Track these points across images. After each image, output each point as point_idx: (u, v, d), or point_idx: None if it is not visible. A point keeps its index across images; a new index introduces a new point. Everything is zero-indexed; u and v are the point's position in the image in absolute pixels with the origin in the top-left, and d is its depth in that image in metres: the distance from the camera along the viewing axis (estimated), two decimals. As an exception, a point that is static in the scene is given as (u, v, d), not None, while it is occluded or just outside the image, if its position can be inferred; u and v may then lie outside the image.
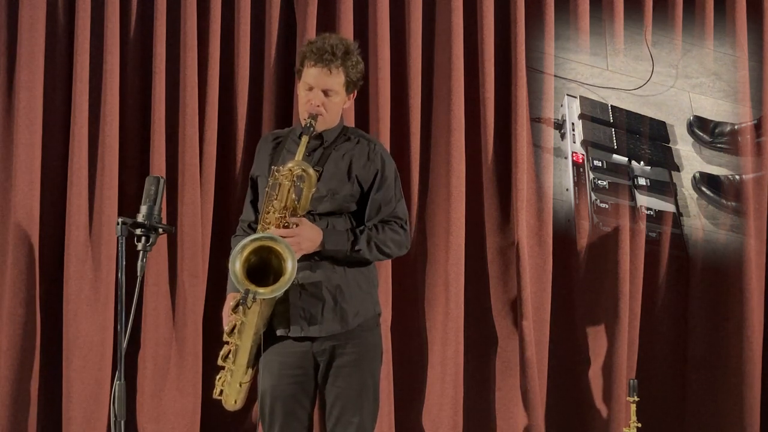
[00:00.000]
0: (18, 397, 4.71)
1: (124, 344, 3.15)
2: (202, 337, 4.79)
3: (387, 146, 4.87)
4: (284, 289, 3.34)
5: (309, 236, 3.42)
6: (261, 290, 3.31)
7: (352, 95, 3.59)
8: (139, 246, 3.21)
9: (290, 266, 3.31)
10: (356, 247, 3.48)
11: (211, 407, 4.71)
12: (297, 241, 3.39)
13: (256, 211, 3.62)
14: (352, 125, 4.79)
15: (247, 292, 3.28)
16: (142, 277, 3.19)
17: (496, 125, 4.98)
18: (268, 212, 3.43)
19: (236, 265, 3.32)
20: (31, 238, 4.73)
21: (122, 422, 3.13)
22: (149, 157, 4.79)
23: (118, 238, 3.18)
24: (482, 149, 4.97)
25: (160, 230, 3.23)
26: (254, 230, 3.56)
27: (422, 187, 4.99)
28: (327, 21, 4.89)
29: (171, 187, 4.78)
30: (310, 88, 3.50)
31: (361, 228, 3.53)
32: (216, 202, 4.85)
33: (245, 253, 3.34)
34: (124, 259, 3.18)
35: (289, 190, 3.40)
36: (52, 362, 4.79)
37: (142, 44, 4.87)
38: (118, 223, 3.18)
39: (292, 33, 4.89)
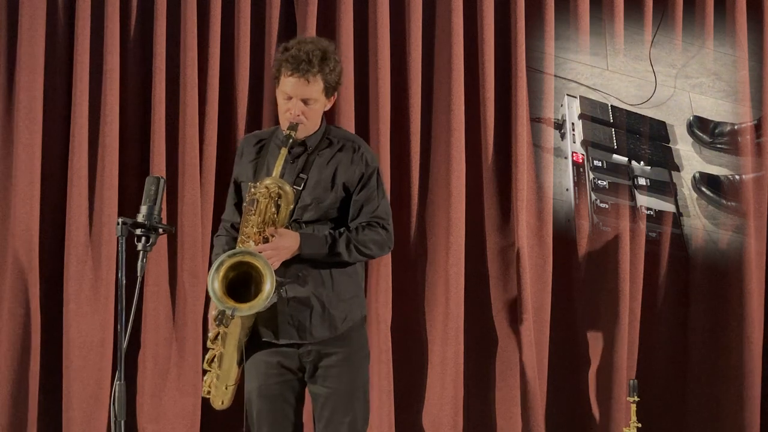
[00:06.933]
0: (18, 397, 4.71)
1: (124, 344, 3.14)
2: (202, 337, 4.79)
3: (387, 146, 4.87)
4: (262, 307, 3.34)
5: (287, 245, 3.39)
6: (239, 306, 3.31)
7: (332, 98, 3.53)
8: (139, 246, 3.20)
9: (268, 285, 3.30)
10: (335, 250, 3.44)
11: (211, 407, 4.71)
12: (276, 254, 3.36)
13: (240, 213, 3.59)
14: (353, 126, 4.80)
15: (222, 312, 3.29)
16: (142, 277, 3.18)
17: (496, 125, 4.98)
18: (246, 226, 3.41)
19: (215, 284, 3.32)
20: (31, 238, 4.72)
21: (122, 422, 3.13)
22: (149, 157, 4.79)
23: (118, 238, 3.17)
24: (482, 149, 4.97)
25: (160, 230, 3.23)
26: (237, 230, 3.53)
27: (422, 187, 4.99)
28: (327, 21, 4.89)
29: (171, 187, 4.78)
30: (289, 98, 3.44)
31: (341, 230, 3.48)
32: (216, 202, 4.85)
33: (222, 270, 3.33)
34: (124, 260, 3.17)
35: (266, 206, 3.38)
36: (52, 362, 4.79)
37: (142, 44, 4.87)
38: (118, 223, 3.17)
39: (292, 33, 4.88)
